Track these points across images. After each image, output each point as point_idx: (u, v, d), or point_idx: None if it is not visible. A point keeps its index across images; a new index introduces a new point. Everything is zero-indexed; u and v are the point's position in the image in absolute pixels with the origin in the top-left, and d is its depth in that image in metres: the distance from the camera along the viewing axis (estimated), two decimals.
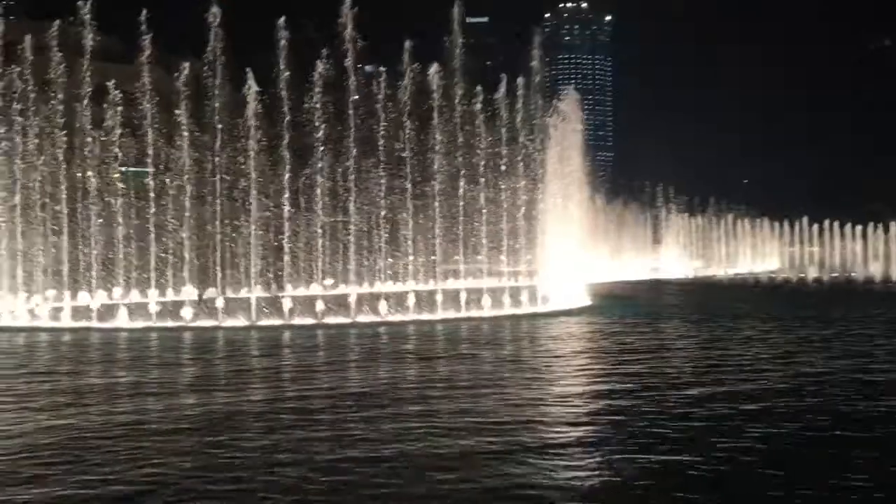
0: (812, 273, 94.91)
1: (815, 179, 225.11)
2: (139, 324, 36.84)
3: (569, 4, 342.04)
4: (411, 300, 40.33)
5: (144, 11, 40.66)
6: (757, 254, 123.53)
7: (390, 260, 51.72)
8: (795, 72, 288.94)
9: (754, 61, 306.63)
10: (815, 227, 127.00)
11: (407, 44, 45.02)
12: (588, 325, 36.69)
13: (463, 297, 41.42)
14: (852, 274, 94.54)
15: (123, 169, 45.82)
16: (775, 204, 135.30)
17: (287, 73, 41.58)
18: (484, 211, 47.35)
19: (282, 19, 41.26)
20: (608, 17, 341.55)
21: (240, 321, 37.51)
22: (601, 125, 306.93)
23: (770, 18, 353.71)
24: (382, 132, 44.66)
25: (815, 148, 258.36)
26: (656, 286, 78.07)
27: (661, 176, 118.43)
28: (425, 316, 39.61)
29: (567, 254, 47.74)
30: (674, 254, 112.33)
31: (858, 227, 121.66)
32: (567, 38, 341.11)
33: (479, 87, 48.43)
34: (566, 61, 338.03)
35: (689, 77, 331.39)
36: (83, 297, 41.49)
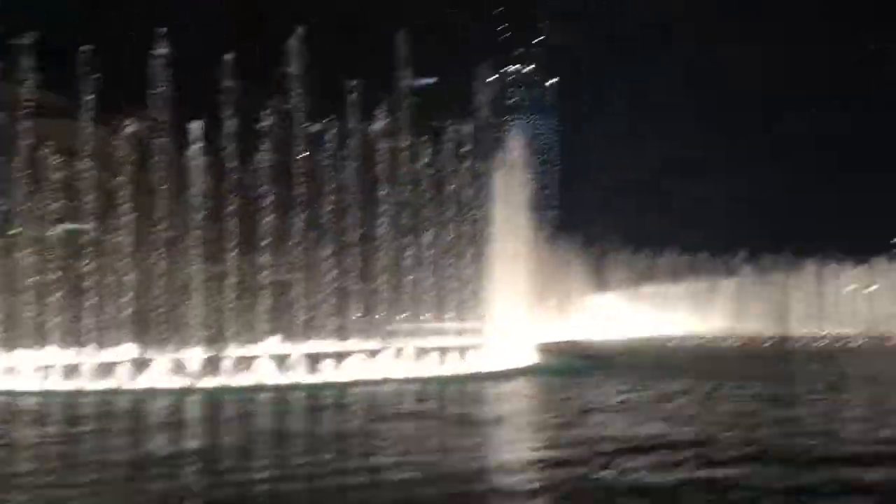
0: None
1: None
2: (71, 385, 35.47)
3: (514, 67, 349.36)
4: (354, 359, 39.64)
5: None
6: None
7: (334, 317, 51.15)
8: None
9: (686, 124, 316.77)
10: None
11: (351, 96, 45.27)
12: (536, 384, 36.50)
13: (406, 355, 40.93)
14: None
15: (62, 226, 44.88)
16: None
17: (231, 127, 41.43)
18: (430, 267, 47.33)
19: (226, 81, 41.29)
20: (553, 80, 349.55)
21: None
22: (548, 184, 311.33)
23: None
24: (329, 189, 44.68)
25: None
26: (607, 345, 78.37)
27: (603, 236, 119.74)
28: (368, 376, 38.94)
29: (515, 311, 47.73)
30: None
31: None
32: (513, 99, 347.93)
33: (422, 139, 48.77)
34: (515, 122, 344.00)
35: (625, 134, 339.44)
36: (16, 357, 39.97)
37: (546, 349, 53.51)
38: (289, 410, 28.88)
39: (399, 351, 42.03)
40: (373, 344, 44.81)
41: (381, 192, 45.00)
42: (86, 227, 41.51)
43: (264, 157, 41.87)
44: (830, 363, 50.25)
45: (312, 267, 48.19)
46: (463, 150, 49.52)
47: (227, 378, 36.65)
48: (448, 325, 50.91)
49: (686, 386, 33.95)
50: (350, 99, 44.72)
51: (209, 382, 35.96)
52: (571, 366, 47.48)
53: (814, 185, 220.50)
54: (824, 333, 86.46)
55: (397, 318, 49.88)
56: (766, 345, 75.77)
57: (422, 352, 42.29)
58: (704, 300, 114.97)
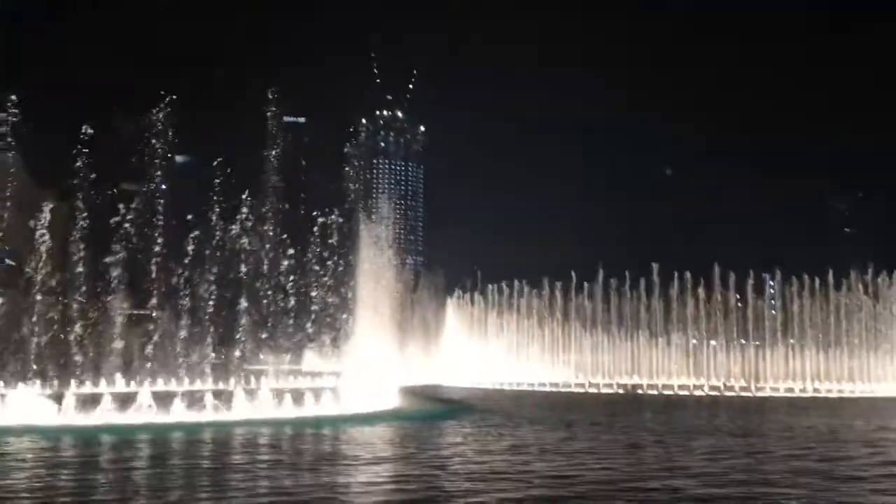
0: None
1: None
2: None
3: (385, 112, 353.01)
4: (208, 399, 38.34)
5: None
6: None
7: (189, 358, 49.45)
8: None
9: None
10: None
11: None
12: (396, 428, 36.37)
13: (263, 397, 40.02)
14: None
15: None
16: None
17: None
18: (292, 307, 46.72)
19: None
20: (422, 128, 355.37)
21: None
22: (412, 230, 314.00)
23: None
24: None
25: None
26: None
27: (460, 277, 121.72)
28: (221, 416, 37.72)
29: (376, 354, 47.64)
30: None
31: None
32: (382, 144, 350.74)
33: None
34: (382, 166, 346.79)
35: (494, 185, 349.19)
36: None
37: (410, 392, 53.50)
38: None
39: (254, 392, 41.04)
40: (230, 384, 43.53)
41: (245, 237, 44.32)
42: None
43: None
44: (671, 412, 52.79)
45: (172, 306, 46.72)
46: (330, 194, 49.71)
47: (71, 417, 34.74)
48: (310, 366, 50.23)
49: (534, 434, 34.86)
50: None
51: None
52: (430, 411, 47.67)
53: None
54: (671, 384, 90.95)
55: (258, 357, 48.81)
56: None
57: (278, 393, 41.46)
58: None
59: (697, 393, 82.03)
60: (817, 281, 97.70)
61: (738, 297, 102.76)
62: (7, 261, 41.08)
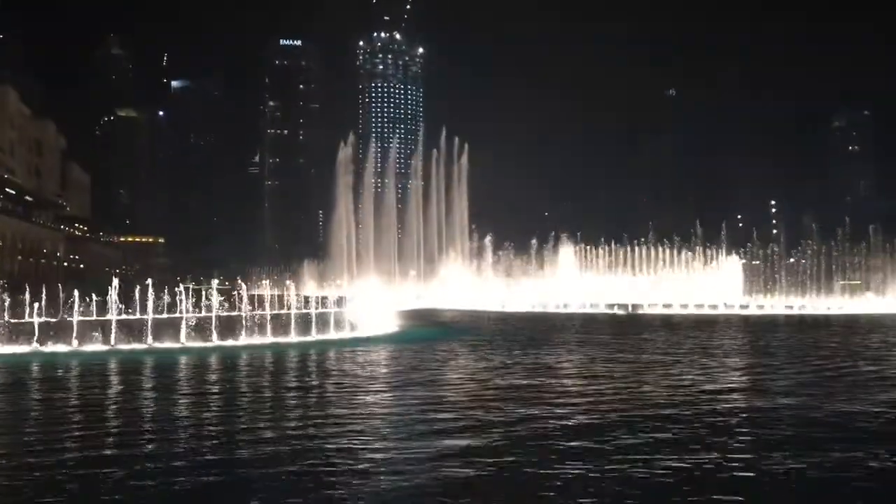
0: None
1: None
2: None
3: (382, 34, 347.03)
4: (213, 326, 38.92)
5: None
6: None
7: (192, 284, 49.75)
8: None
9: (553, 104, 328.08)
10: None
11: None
12: (392, 352, 36.96)
13: (268, 324, 40.67)
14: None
15: None
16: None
17: None
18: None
19: None
20: (420, 50, 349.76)
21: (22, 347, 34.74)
22: (413, 154, 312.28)
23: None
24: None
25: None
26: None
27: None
28: (229, 342, 38.36)
29: (373, 280, 48.14)
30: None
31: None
32: (380, 66, 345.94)
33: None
34: (378, 89, 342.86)
35: (493, 109, 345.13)
36: None
37: (407, 316, 54.13)
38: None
39: (258, 319, 41.62)
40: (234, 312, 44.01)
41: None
42: None
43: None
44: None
45: None
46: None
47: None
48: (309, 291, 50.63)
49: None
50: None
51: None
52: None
53: None
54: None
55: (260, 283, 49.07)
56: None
57: (284, 319, 42.12)
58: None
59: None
60: None
61: None
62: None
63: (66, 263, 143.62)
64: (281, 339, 40.27)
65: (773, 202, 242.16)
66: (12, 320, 36.76)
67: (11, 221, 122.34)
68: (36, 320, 36.55)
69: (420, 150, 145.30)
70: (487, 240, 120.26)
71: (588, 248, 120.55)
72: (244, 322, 40.34)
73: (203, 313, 41.15)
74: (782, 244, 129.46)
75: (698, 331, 52.93)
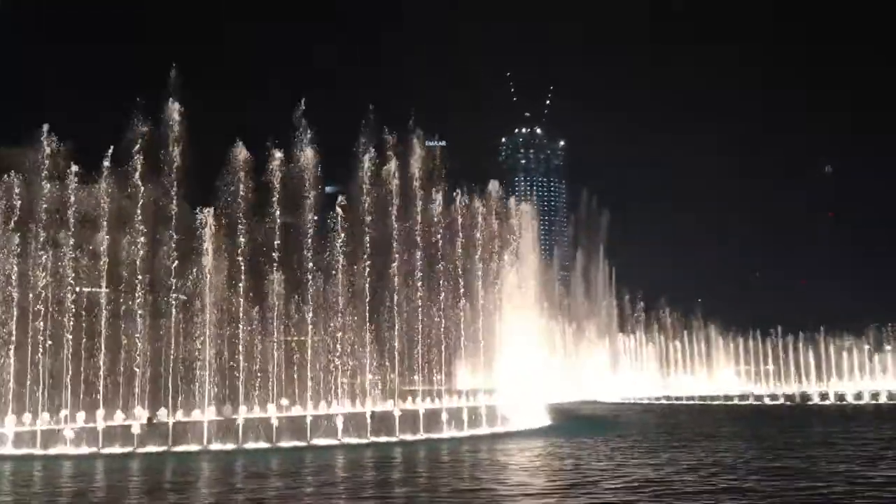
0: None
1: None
2: (84, 450, 35.38)
3: (524, 130, 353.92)
4: (368, 422, 39.47)
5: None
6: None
7: (345, 380, 50.97)
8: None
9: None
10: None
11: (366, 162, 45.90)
12: (548, 446, 36.10)
13: (421, 418, 40.82)
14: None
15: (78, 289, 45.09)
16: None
17: (243, 192, 42.18)
18: (443, 328, 47.37)
19: (239, 144, 42.28)
20: (562, 143, 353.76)
21: (191, 445, 36.33)
22: (558, 244, 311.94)
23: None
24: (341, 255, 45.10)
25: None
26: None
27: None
28: (383, 438, 38.72)
29: (526, 372, 47.55)
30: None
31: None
32: (523, 160, 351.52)
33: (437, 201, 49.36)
34: (523, 183, 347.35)
35: (641, 196, 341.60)
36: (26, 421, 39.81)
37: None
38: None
39: (411, 414, 41.88)
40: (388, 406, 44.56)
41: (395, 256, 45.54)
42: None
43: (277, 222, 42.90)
44: None
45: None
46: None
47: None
48: (461, 386, 50.72)
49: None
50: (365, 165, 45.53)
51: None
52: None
53: None
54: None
55: (412, 378, 49.75)
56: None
57: (434, 414, 42.21)
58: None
59: None
60: None
61: None
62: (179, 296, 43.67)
63: None
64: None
65: None
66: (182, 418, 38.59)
67: None
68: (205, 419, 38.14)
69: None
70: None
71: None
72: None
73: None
74: None
75: None
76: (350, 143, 46.36)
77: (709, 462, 28.27)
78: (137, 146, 41.30)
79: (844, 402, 79.27)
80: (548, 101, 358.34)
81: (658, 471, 25.88)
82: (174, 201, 42.34)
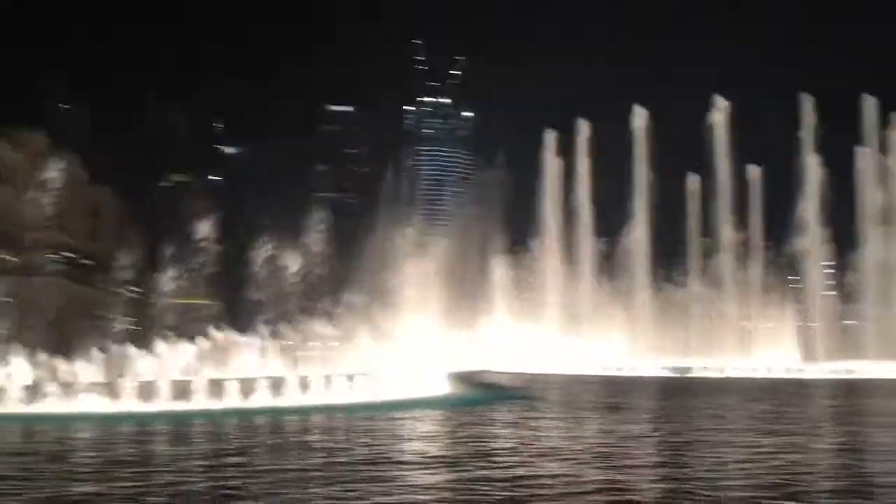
0: None
1: None
2: None
3: (429, 99, 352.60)
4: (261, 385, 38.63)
5: None
6: None
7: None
8: None
9: None
10: None
11: None
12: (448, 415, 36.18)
13: (317, 382, 40.27)
14: None
15: None
16: None
17: None
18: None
19: None
20: (469, 114, 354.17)
21: None
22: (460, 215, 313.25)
23: None
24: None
25: None
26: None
27: None
28: (278, 402, 37.94)
29: (428, 340, 47.60)
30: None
31: None
32: (429, 130, 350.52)
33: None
34: (427, 153, 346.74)
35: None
36: None
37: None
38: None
39: (305, 379, 41.24)
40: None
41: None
42: None
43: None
44: None
45: None
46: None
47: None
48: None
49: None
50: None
51: None
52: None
53: None
54: None
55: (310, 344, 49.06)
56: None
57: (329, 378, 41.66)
58: None
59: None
60: None
61: None
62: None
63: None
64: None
65: None
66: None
67: (70, 285, 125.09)
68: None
69: None
70: None
71: None
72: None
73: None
74: None
75: None
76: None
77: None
78: None
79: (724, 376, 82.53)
80: (458, 72, 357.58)
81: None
82: None
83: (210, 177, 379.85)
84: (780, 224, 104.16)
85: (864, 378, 75.53)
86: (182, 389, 37.32)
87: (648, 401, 47.39)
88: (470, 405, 40.27)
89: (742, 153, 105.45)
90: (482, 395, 46.98)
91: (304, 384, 40.20)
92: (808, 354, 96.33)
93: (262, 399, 37.73)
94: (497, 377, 69.95)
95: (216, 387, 38.05)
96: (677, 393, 54.49)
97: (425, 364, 46.61)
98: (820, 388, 59.72)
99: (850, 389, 57.95)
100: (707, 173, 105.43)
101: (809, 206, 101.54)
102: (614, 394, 51.10)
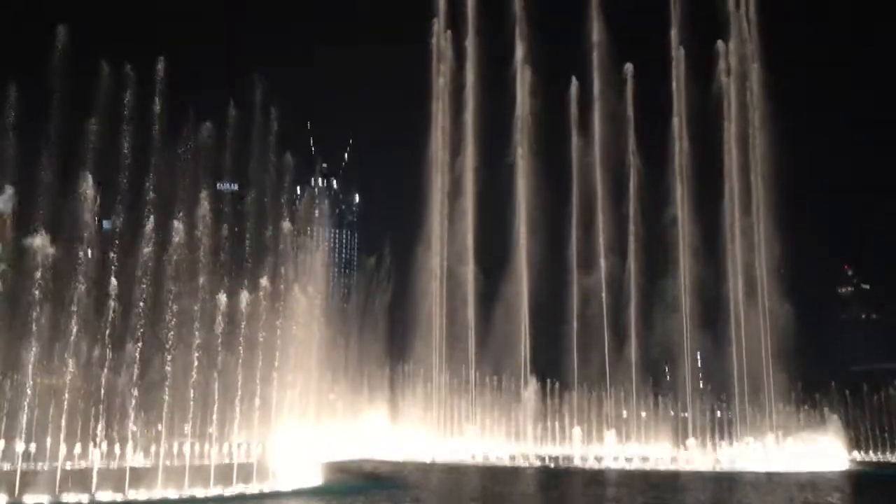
0: None
1: None
2: None
3: (321, 182, 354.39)
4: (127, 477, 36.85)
5: None
6: None
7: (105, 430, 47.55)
8: None
9: None
10: None
11: None
12: None
13: (186, 473, 38.73)
14: None
15: None
16: None
17: None
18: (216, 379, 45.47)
19: None
20: (356, 198, 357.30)
21: None
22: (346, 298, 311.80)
23: None
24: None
25: None
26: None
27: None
28: (142, 496, 36.25)
29: (302, 426, 46.61)
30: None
31: None
32: (317, 213, 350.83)
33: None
34: (317, 235, 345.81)
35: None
36: None
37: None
38: None
39: (175, 468, 39.63)
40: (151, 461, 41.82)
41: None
42: None
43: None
44: None
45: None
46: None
47: None
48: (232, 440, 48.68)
49: None
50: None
51: None
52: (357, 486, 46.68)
53: None
54: None
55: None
56: None
57: (202, 469, 40.17)
58: None
59: None
60: None
61: None
62: None
63: None
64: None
65: None
66: None
67: None
68: None
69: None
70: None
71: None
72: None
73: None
74: None
75: None
76: None
77: None
78: None
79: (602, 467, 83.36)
80: (346, 156, 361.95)
81: None
82: None
83: None
84: None
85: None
86: None
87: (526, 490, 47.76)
88: (339, 495, 39.75)
89: None
90: (353, 484, 46.35)
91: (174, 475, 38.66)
92: None
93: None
94: (377, 466, 69.14)
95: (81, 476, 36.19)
96: (555, 484, 54.93)
97: (300, 454, 45.53)
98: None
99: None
100: None
101: None
102: (493, 483, 51.26)
